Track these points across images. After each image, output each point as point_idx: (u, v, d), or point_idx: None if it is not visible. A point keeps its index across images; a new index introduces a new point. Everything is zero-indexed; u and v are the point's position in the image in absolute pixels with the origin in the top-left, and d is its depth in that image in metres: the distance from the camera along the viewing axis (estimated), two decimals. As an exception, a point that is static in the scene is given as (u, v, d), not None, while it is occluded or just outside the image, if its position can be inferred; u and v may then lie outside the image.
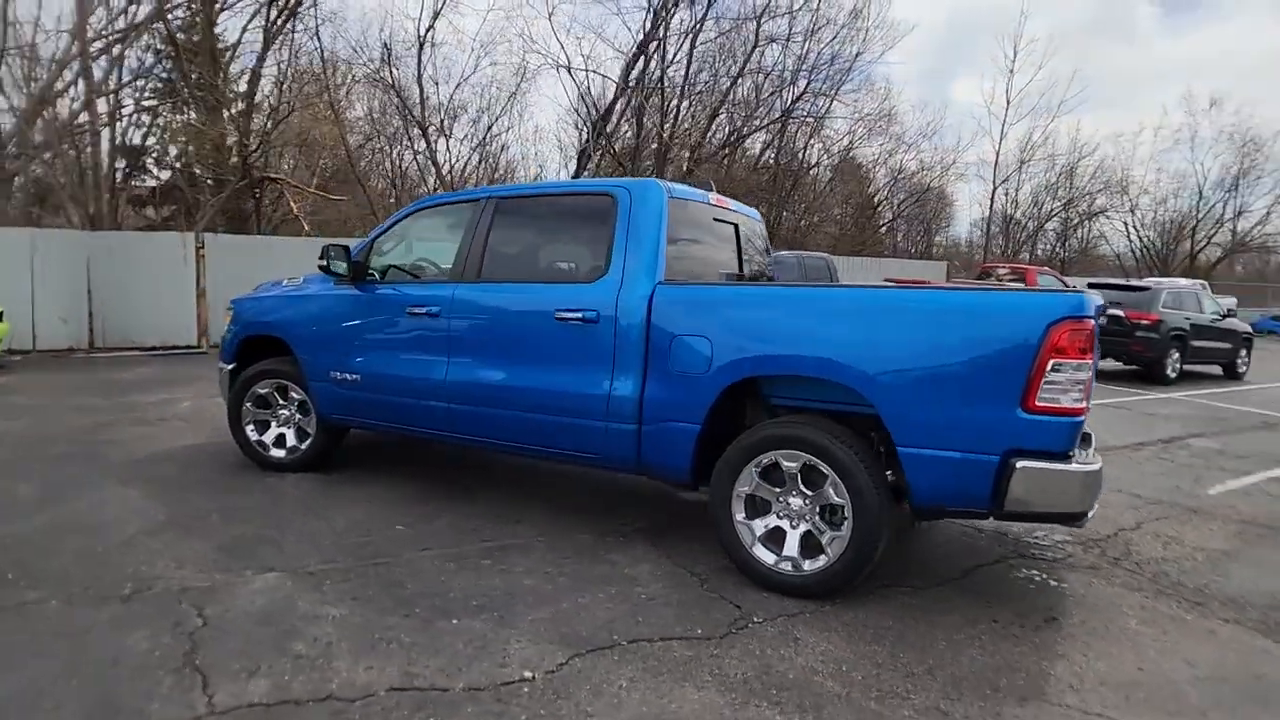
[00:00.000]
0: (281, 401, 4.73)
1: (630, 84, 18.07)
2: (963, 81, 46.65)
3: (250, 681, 2.34)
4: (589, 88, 19.26)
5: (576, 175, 19.15)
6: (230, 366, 4.89)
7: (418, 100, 16.61)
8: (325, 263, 4.21)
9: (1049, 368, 2.64)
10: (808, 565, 3.04)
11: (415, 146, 18.68)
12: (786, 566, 3.07)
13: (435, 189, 18.88)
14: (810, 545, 3.07)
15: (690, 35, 18.02)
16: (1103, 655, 2.71)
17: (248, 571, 3.19)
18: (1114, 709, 2.37)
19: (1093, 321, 2.67)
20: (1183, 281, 14.05)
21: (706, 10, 17.89)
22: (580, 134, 21.40)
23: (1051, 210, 29.51)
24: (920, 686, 2.45)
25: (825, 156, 24.40)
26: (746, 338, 3.14)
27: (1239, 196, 27.33)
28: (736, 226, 4.33)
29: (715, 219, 4.11)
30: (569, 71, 18.43)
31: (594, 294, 3.49)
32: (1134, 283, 13.24)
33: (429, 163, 17.57)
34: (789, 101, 21.35)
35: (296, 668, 2.43)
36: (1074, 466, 2.68)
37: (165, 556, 3.31)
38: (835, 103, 21.87)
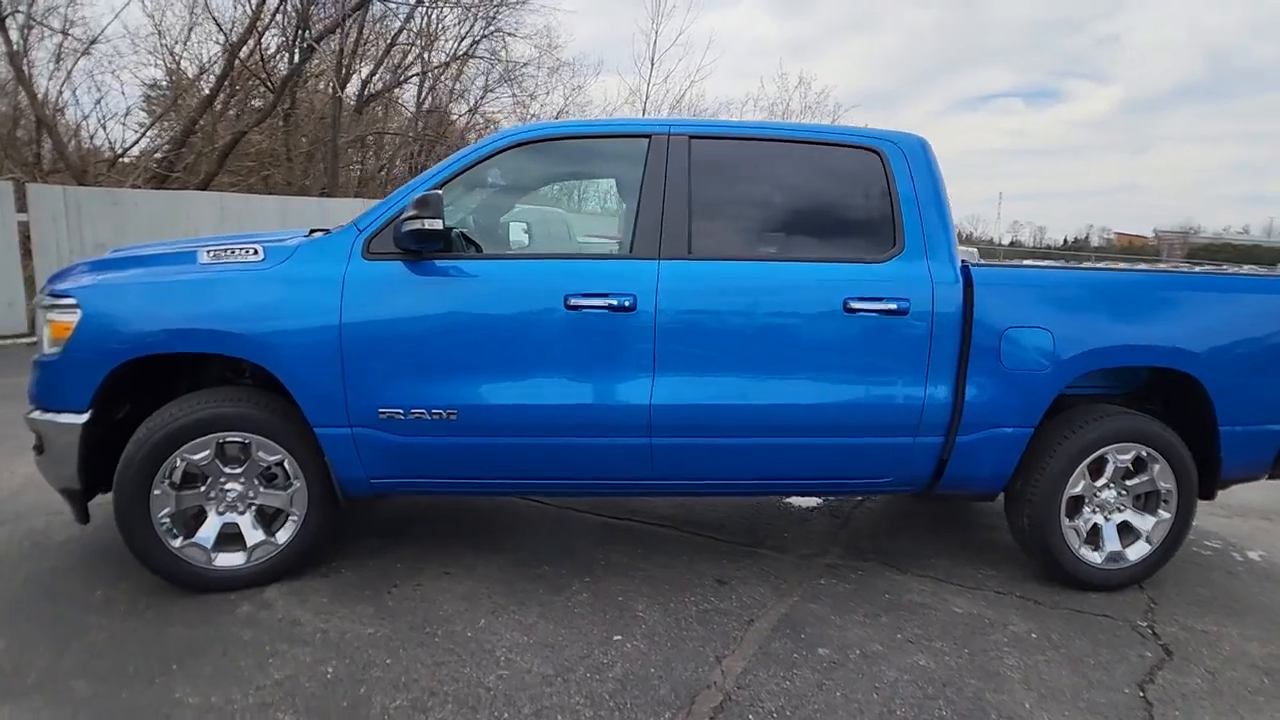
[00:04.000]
0: (225, 471, 2.64)
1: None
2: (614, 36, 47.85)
3: None
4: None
5: (214, 96, 14.50)
6: (83, 419, 2.53)
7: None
8: (421, 224, 2.41)
9: (1323, 340, 2.98)
10: (1132, 555, 2.94)
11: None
12: (1120, 562, 2.92)
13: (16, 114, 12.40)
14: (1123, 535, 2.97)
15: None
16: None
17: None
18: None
19: None
20: None
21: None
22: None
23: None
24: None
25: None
26: (1093, 329, 2.78)
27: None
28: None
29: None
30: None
31: (897, 277, 2.70)
32: None
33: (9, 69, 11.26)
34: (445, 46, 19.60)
35: None
36: (1330, 425, 3.10)
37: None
38: (486, 43, 20.70)
